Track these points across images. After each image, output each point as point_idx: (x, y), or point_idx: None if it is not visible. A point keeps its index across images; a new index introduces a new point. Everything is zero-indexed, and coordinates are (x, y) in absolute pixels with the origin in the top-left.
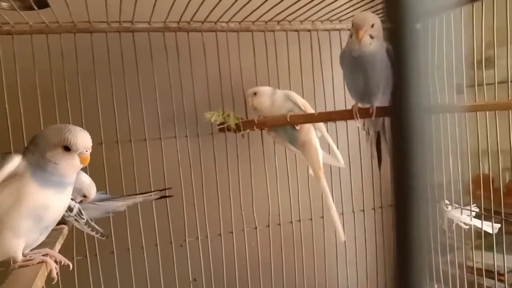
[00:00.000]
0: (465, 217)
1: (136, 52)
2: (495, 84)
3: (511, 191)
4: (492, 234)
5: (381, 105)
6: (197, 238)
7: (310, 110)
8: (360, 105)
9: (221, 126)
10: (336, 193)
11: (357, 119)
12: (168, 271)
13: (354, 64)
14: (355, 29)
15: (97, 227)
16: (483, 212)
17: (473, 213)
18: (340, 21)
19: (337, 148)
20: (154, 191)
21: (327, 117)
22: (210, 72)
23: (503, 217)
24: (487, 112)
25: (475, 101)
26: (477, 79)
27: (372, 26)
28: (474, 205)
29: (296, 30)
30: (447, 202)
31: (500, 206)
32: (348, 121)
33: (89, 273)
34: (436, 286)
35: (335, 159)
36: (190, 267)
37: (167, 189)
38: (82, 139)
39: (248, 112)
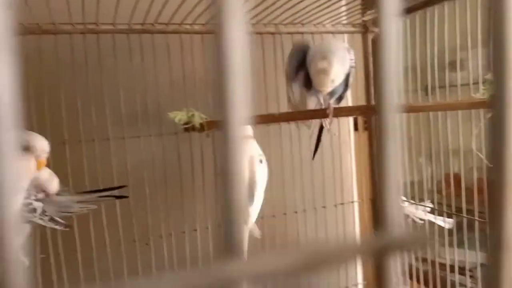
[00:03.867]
0: (420, 212)
1: (100, 53)
2: (458, 86)
3: (481, 189)
4: (463, 231)
5: (336, 105)
6: (161, 236)
7: None
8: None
9: (186, 126)
10: (307, 188)
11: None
12: (133, 269)
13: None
14: (320, 76)
15: (60, 220)
16: (436, 208)
17: (428, 209)
18: (303, 24)
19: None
20: (107, 189)
21: (288, 117)
22: (174, 73)
23: (476, 218)
24: (459, 112)
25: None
26: (448, 81)
27: (332, 81)
28: (429, 201)
29: (260, 33)
30: (403, 198)
31: (470, 204)
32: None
33: (51, 272)
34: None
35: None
36: (155, 265)
37: (121, 187)
38: (41, 141)
39: (213, 112)
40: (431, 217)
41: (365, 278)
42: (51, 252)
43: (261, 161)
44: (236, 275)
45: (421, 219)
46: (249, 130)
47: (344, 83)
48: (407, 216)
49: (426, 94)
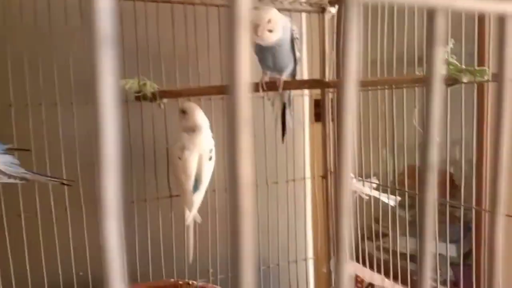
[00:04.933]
0: (367, 188)
1: (50, 17)
2: None
3: (441, 181)
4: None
5: (287, 79)
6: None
7: None
8: (268, 78)
9: (137, 95)
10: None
11: (263, 90)
12: (80, 238)
13: (263, 49)
14: (253, 27)
15: (14, 174)
16: (380, 185)
17: (374, 185)
18: (260, 0)
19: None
20: (55, 179)
21: None
22: (126, 41)
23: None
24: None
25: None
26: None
27: (269, 21)
28: (375, 177)
29: (217, 6)
30: (351, 175)
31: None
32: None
33: None
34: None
35: None
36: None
37: (69, 182)
38: None
39: (165, 82)
40: (376, 194)
41: (314, 252)
42: None
43: (210, 158)
44: None
45: (367, 195)
46: (204, 122)
47: (292, 58)
48: (354, 192)
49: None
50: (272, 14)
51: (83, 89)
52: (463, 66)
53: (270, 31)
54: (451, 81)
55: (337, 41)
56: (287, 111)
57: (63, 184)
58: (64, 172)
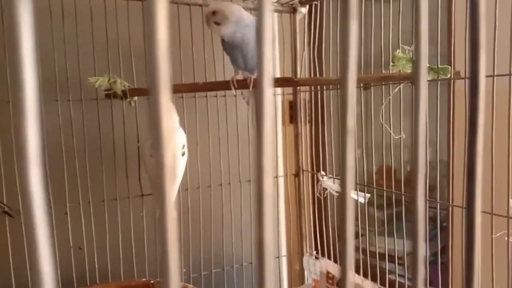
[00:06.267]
0: (337, 186)
1: None
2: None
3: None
4: (393, 221)
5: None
6: (79, 203)
7: None
8: (241, 76)
9: (107, 92)
10: (224, 164)
11: (234, 88)
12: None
13: (230, 47)
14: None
15: None
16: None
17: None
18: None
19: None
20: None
21: (211, 86)
22: (96, 38)
23: (385, 188)
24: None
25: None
26: None
27: (214, 13)
28: None
29: (188, 4)
30: (322, 173)
31: (401, 195)
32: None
33: None
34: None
35: None
36: (71, 235)
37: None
38: None
39: (136, 80)
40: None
41: (287, 250)
42: None
43: (183, 154)
44: None
45: (337, 192)
46: (175, 119)
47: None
48: (324, 189)
49: (365, 89)
50: (218, 6)
51: (51, 86)
52: (427, 64)
53: (217, 23)
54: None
55: (308, 41)
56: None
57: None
58: None
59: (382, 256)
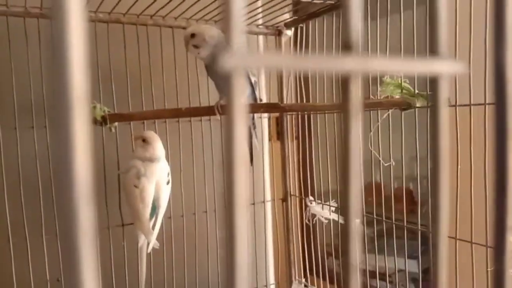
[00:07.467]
0: (326, 212)
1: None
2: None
3: (400, 198)
4: (384, 238)
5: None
6: (56, 235)
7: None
8: (225, 101)
9: None
10: (209, 190)
11: (220, 114)
12: (24, 270)
13: (210, 68)
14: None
15: None
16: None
17: (333, 209)
18: (215, 21)
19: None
20: None
21: (194, 112)
22: None
23: (393, 221)
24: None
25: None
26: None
27: (192, 36)
28: (333, 200)
29: (170, 27)
30: (311, 198)
31: (390, 211)
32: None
33: None
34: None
35: None
36: (48, 267)
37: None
38: None
39: (117, 105)
40: (335, 216)
41: (275, 277)
42: None
43: (168, 182)
44: None
45: (326, 218)
46: (161, 151)
47: (247, 82)
48: (314, 215)
49: None
50: (197, 29)
51: (27, 112)
52: (416, 91)
53: (196, 46)
54: (405, 105)
55: None
56: (253, 134)
57: None
58: (6, 198)
59: (372, 274)
